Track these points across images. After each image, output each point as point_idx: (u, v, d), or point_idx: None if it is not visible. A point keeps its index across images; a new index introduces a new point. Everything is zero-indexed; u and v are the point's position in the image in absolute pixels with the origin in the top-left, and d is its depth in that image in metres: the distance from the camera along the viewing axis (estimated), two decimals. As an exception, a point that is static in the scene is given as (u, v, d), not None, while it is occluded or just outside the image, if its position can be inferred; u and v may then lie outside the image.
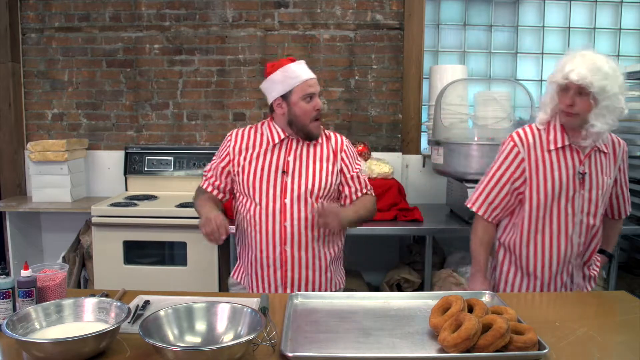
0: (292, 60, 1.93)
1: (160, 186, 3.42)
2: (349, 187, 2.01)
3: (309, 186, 1.91)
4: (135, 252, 2.96)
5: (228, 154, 1.99)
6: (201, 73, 3.49)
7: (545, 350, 1.20)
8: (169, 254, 3.02)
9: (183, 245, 2.90)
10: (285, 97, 1.89)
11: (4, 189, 3.51)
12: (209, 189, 2.02)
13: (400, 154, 3.48)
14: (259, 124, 2.03)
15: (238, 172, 1.96)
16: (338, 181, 1.98)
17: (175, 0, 3.45)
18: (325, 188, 1.93)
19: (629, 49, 3.65)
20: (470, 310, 1.36)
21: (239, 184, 1.96)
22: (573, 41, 3.62)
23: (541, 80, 3.65)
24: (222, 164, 1.99)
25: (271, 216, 1.90)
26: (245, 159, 1.96)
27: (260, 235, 1.91)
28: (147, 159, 3.44)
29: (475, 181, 2.82)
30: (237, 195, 2.01)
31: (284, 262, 1.91)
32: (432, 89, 3.32)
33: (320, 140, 1.99)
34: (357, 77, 3.47)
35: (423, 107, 3.50)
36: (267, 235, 1.90)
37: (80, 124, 3.55)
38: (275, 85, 1.90)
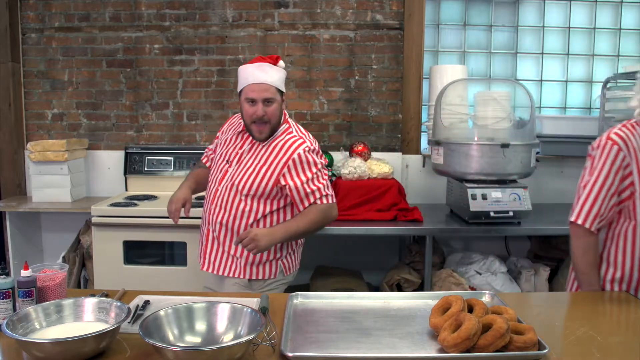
0: (267, 60, 2.01)
1: (160, 186, 3.42)
2: (293, 198, 2.04)
3: (237, 181, 2.03)
4: (135, 252, 2.96)
5: (221, 131, 2.26)
6: (201, 73, 3.49)
7: (545, 350, 1.20)
8: (169, 254, 3.02)
9: (183, 245, 2.90)
10: (240, 93, 2.04)
11: (4, 189, 3.51)
12: (204, 160, 2.35)
13: (400, 154, 3.48)
14: None
15: (215, 149, 2.24)
16: (273, 187, 2.01)
17: (175, 0, 3.44)
18: (254, 188, 2.01)
19: (629, 49, 3.65)
20: (470, 310, 1.36)
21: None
22: (573, 41, 3.62)
23: (541, 80, 3.66)
24: (214, 144, 2.30)
25: (208, 196, 2.12)
26: (221, 140, 2.21)
27: (203, 210, 2.16)
28: (147, 159, 3.43)
29: (476, 181, 2.85)
30: None
31: (205, 239, 2.12)
32: (432, 89, 3.32)
33: (279, 143, 2.04)
34: (357, 77, 3.47)
35: (423, 107, 3.50)
36: (204, 213, 2.14)
37: (80, 124, 3.55)
38: (238, 79, 2.05)
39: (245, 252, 2.01)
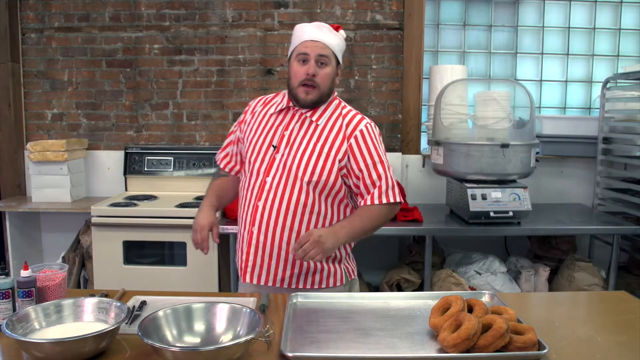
0: (331, 26, 1.76)
1: (160, 186, 3.42)
2: (357, 185, 1.73)
3: (294, 168, 1.70)
4: (135, 252, 2.96)
5: (242, 121, 1.89)
6: (201, 73, 3.49)
7: (545, 350, 1.20)
8: (168, 254, 3.02)
9: (183, 245, 2.89)
10: (290, 56, 1.77)
11: (3, 189, 3.51)
12: (222, 165, 1.95)
13: (400, 154, 3.48)
14: (282, 92, 1.87)
15: (242, 139, 1.86)
16: (339, 171, 1.71)
17: (175, 0, 3.44)
18: (314, 173, 1.69)
19: (628, 49, 3.65)
20: (470, 310, 1.36)
21: (242, 152, 1.87)
22: (573, 41, 3.62)
23: (541, 81, 3.65)
24: (235, 134, 1.92)
25: (249, 193, 1.76)
26: (250, 126, 1.84)
27: (240, 212, 1.80)
28: (147, 159, 3.43)
29: (475, 181, 2.85)
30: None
31: (248, 244, 1.75)
32: (432, 89, 3.32)
33: (330, 115, 1.77)
34: (357, 77, 3.47)
35: (423, 107, 3.49)
36: (243, 213, 1.78)
37: (80, 124, 3.55)
38: (290, 43, 1.79)
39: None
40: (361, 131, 1.75)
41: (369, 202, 1.73)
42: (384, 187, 1.73)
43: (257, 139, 1.79)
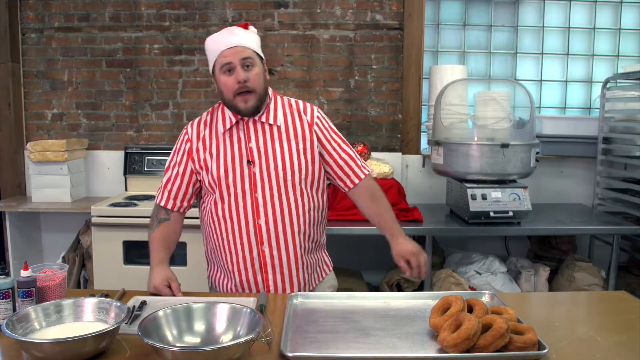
0: (239, 27, 1.70)
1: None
2: (341, 168, 1.78)
3: (281, 175, 1.68)
4: (135, 252, 2.96)
5: (185, 152, 1.77)
6: (201, 73, 3.49)
7: (545, 351, 1.20)
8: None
9: (183, 245, 2.89)
10: (213, 71, 1.70)
11: (3, 189, 3.51)
12: (170, 205, 1.79)
13: (400, 154, 3.48)
14: (214, 108, 1.81)
15: (200, 168, 1.74)
16: (317, 158, 1.74)
17: (175, 0, 3.44)
18: (301, 172, 1.70)
19: (628, 49, 3.65)
20: (470, 310, 1.35)
21: (204, 182, 1.75)
22: (573, 41, 3.62)
23: (541, 81, 3.65)
24: (182, 167, 1.77)
25: (243, 215, 1.69)
26: (204, 152, 1.73)
27: (233, 237, 1.71)
28: (147, 159, 3.43)
29: (475, 181, 2.85)
30: (202, 194, 1.81)
31: (263, 264, 1.71)
32: (432, 89, 3.32)
33: (283, 113, 1.75)
34: (356, 77, 3.47)
35: (423, 107, 3.50)
36: (241, 235, 1.70)
37: (80, 124, 3.55)
38: (208, 59, 1.72)
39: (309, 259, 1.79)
40: (318, 117, 1.78)
41: (357, 180, 1.79)
42: (359, 162, 1.81)
43: (224, 161, 1.70)
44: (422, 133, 3.52)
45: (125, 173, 3.45)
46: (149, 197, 3.23)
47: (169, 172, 1.81)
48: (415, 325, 1.40)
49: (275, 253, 1.71)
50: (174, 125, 3.53)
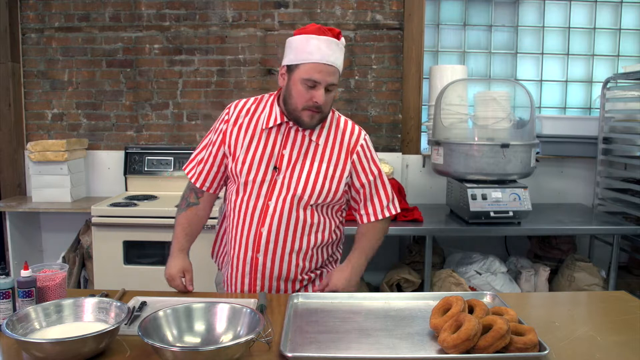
0: (328, 33, 1.58)
1: (160, 186, 3.42)
2: (359, 203, 1.74)
3: (299, 192, 1.64)
4: (135, 252, 2.96)
5: (219, 131, 1.73)
6: (201, 73, 3.49)
7: (546, 352, 1.20)
8: (169, 254, 3.01)
9: (183, 245, 2.89)
10: (290, 69, 1.60)
11: (3, 189, 3.51)
12: (195, 181, 1.76)
13: (400, 154, 3.48)
14: (264, 97, 1.75)
15: (229, 153, 1.70)
16: (341, 188, 1.68)
17: (175, 0, 3.44)
18: (320, 196, 1.65)
19: (628, 49, 3.65)
20: (471, 311, 1.35)
21: (230, 169, 1.71)
22: (573, 41, 3.62)
23: (541, 81, 3.65)
24: (215, 147, 1.73)
25: (249, 217, 1.66)
26: (237, 140, 1.68)
27: (236, 235, 1.70)
28: (147, 159, 3.43)
29: (475, 181, 2.84)
30: (229, 180, 1.77)
31: (253, 269, 1.68)
32: (432, 89, 3.32)
33: (328, 131, 1.69)
34: (357, 77, 3.47)
35: (423, 107, 3.50)
36: (242, 237, 1.68)
37: (80, 124, 3.55)
38: (289, 50, 1.61)
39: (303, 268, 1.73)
40: (362, 146, 1.71)
41: (372, 219, 1.76)
42: (384, 202, 1.76)
43: (252, 157, 1.66)
44: (422, 133, 3.52)
45: (125, 173, 3.45)
46: (149, 197, 3.23)
47: (203, 151, 1.77)
48: (416, 326, 1.40)
49: (268, 264, 1.68)
50: (174, 125, 3.53)
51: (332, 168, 1.67)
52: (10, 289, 1.39)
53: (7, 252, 3.25)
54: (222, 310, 1.32)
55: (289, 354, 1.20)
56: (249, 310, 1.30)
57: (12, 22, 3.42)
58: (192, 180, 1.78)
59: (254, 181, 1.66)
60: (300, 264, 1.71)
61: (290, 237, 1.66)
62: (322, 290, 1.70)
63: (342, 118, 1.75)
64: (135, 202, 3.08)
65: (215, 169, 1.76)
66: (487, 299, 1.58)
